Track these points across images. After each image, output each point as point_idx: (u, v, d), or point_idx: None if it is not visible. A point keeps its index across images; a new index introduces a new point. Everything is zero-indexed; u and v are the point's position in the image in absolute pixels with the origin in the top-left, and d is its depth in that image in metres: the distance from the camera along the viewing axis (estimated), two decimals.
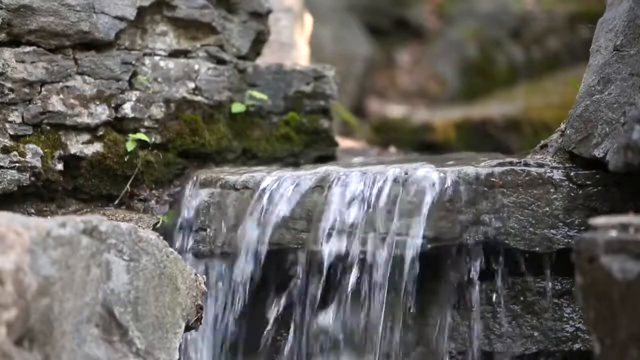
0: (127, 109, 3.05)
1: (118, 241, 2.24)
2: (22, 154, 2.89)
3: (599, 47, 2.85)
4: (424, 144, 5.64)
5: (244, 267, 2.80)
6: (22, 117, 2.91)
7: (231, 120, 3.27)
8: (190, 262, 2.83)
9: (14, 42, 2.91)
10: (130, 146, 3.04)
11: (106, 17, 3.00)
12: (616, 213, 2.28)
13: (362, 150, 4.06)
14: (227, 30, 3.26)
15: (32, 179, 2.90)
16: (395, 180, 2.75)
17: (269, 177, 2.86)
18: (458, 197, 2.72)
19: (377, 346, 2.72)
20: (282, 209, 2.78)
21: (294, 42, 4.45)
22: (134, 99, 3.06)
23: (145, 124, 3.09)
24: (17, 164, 2.87)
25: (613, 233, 1.99)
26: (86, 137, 3.01)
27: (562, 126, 2.89)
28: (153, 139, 3.09)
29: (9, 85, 2.89)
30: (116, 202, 3.05)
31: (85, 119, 2.99)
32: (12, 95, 2.89)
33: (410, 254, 2.69)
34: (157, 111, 3.10)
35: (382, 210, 2.72)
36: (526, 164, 2.78)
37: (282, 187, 2.81)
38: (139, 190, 3.08)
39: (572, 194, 2.72)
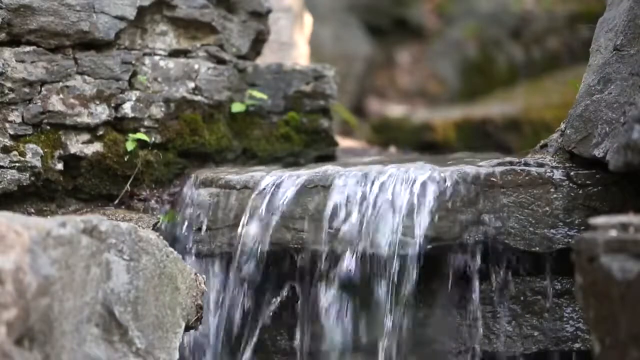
0: (127, 108, 3.05)
1: (118, 241, 2.24)
2: (22, 154, 2.89)
3: (599, 47, 2.85)
4: (424, 144, 5.64)
5: (245, 267, 2.80)
6: (22, 117, 2.91)
7: (231, 120, 3.27)
8: (191, 262, 2.83)
9: (14, 41, 2.91)
10: (130, 146, 3.04)
11: (106, 17, 2.99)
12: (616, 213, 2.27)
13: (362, 150, 4.07)
14: (227, 30, 3.26)
15: (32, 178, 2.90)
16: (395, 180, 2.75)
17: (268, 177, 2.86)
18: (458, 196, 2.72)
19: (379, 346, 2.72)
20: (282, 209, 2.78)
21: (293, 42, 4.45)
22: (133, 98, 3.06)
23: (145, 123, 3.09)
24: (17, 164, 2.87)
25: (613, 233, 1.99)
26: (86, 136, 3.01)
27: (562, 126, 2.88)
28: (153, 139, 3.09)
29: (9, 85, 2.88)
30: (116, 201, 3.05)
31: (85, 119, 2.99)
32: (12, 95, 2.89)
33: (410, 253, 2.68)
34: (157, 111, 3.10)
35: (382, 209, 2.72)
36: (526, 164, 2.78)
37: (281, 186, 2.81)
38: (139, 190, 3.08)
39: (572, 194, 2.72)
